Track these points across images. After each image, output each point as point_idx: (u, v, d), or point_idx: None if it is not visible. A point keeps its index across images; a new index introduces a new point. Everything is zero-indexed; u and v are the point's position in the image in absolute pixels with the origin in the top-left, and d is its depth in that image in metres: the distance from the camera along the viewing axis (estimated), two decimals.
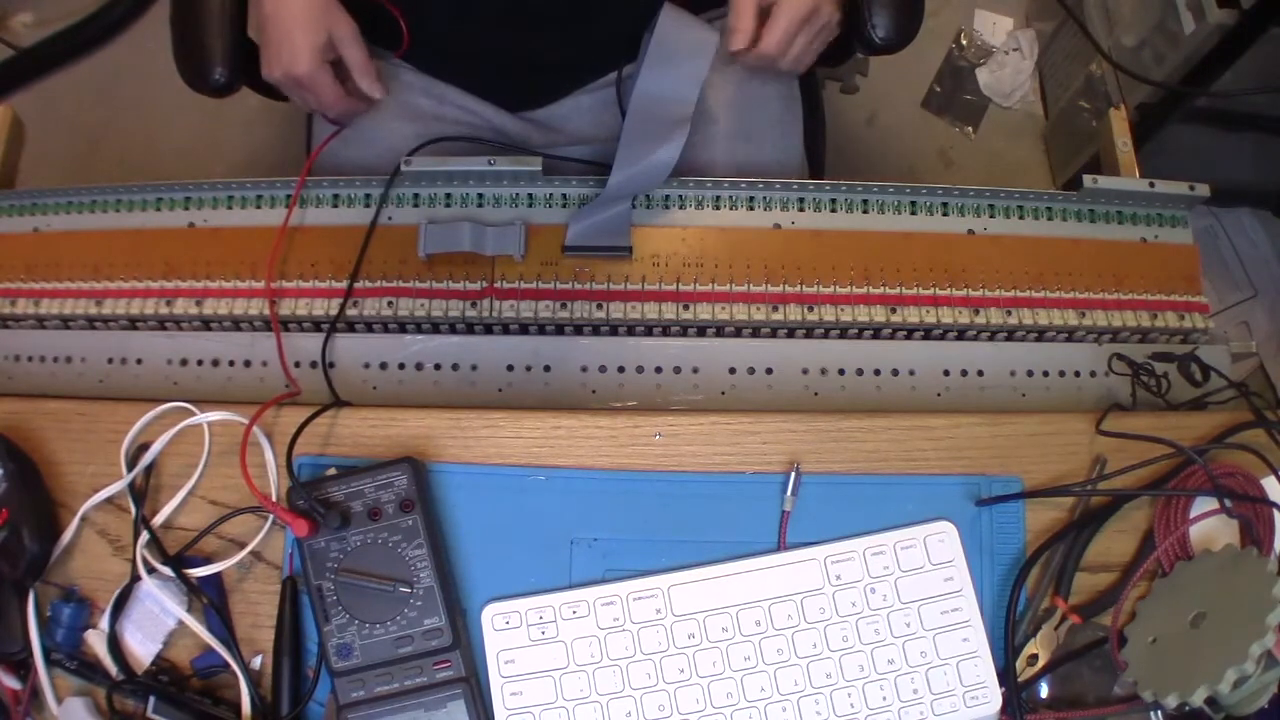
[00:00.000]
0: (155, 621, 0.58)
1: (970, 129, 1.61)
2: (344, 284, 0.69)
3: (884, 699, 0.57)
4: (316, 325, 0.70)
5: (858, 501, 0.61)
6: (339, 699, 0.55)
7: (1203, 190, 0.73)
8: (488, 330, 0.70)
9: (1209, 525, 0.59)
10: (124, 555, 0.60)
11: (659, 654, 0.57)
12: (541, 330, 0.70)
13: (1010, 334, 0.70)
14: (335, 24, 0.72)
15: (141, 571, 0.58)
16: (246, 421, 0.61)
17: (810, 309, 0.69)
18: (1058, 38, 1.58)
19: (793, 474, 0.60)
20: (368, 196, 0.72)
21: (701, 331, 0.70)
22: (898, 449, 0.62)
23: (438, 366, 0.69)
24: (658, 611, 0.58)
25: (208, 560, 0.59)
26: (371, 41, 0.76)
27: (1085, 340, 0.71)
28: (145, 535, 0.59)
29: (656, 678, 0.57)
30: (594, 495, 0.61)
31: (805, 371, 0.69)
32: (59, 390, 0.70)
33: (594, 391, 0.69)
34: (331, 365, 0.68)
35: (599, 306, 0.69)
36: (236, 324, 0.70)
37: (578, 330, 0.70)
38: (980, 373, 0.70)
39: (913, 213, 0.73)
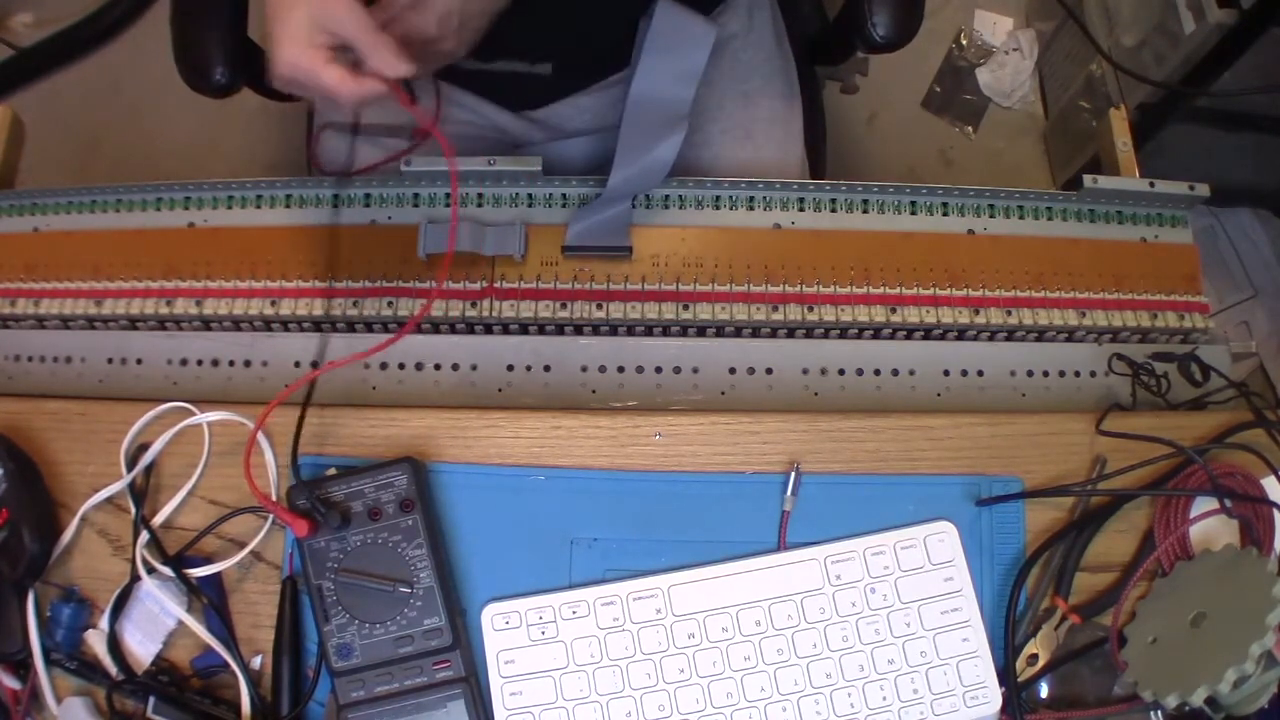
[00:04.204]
0: (155, 621, 0.58)
1: (970, 129, 1.61)
2: (344, 284, 0.69)
3: (884, 699, 0.57)
4: (316, 325, 0.70)
5: (858, 501, 0.61)
6: (339, 699, 0.55)
7: (1203, 190, 0.72)
8: (488, 330, 0.70)
9: (1209, 525, 0.59)
10: (124, 555, 0.60)
11: (659, 654, 0.57)
12: (541, 330, 0.70)
13: (1010, 334, 0.70)
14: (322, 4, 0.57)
15: (141, 571, 0.58)
16: (246, 421, 0.61)
17: (810, 309, 0.69)
18: (1058, 38, 1.58)
19: (793, 474, 0.60)
20: (367, 196, 0.72)
21: (701, 331, 0.70)
22: (898, 449, 0.62)
23: (438, 366, 0.69)
24: (658, 611, 0.58)
25: (208, 560, 0.59)
26: None
27: (1085, 340, 0.71)
28: (145, 535, 0.59)
29: (656, 678, 0.57)
30: (594, 495, 0.61)
31: (805, 371, 0.69)
32: (59, 390, 0.70)
33: (594, 391, 0.69)
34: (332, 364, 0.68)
35: (599, 306, 0.69)
36: (236, 324, 0.70)
37: (578, 330, 0.70)
38: (980, 373, 0.70)
39: (913, 213, 0.73)
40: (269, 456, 0.61)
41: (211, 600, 0.58)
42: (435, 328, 0.70)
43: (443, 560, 0.57)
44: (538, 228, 0.70)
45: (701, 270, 0.70)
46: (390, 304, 0.69)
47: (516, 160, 0.71)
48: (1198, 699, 0.52)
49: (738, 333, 0.70)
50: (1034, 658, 0.59)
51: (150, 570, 0.58)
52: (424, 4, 0.60)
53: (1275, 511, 0.59)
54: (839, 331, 0.70)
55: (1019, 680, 0.58)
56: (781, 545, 0.60)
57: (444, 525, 0.60)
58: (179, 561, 0.59)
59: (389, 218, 0.71)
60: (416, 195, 0.72)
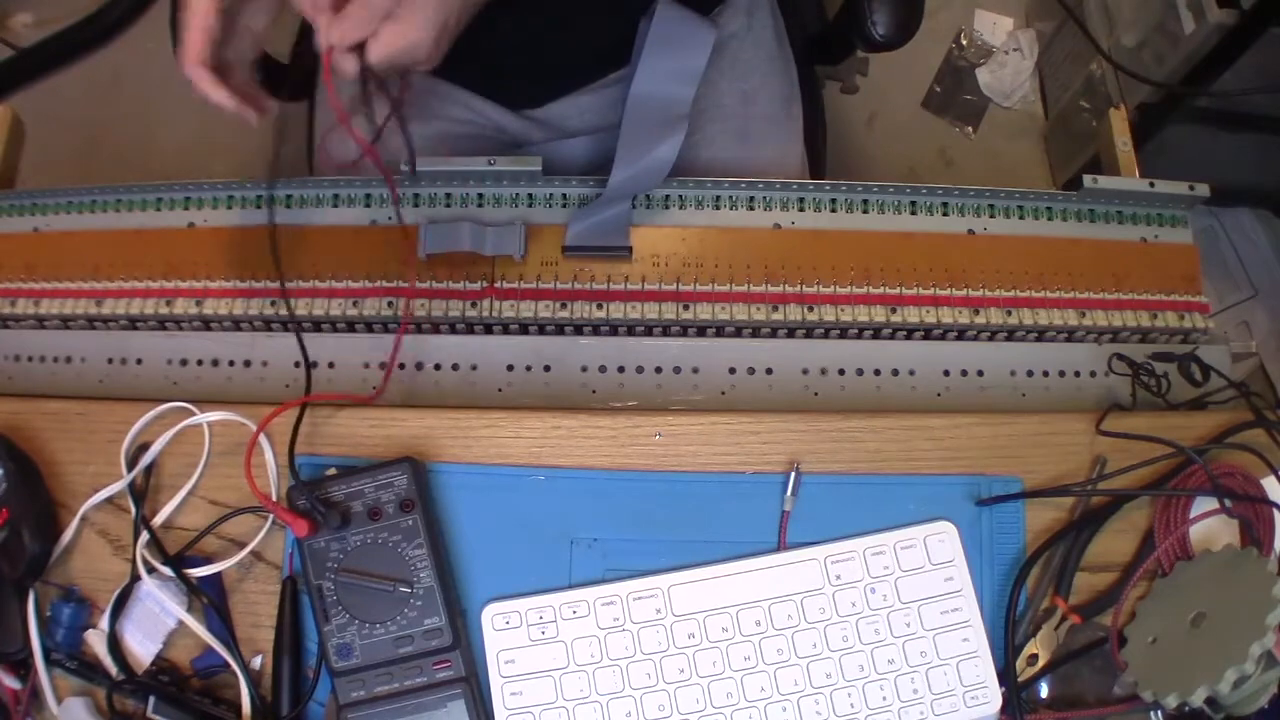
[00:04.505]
0: (155, 621, 0.58)
1: (970, 129, 1.62)
2: (344, 284, 0.69)
3: (884, 699, 0.57)
4: (316, 325, 0.70)
5: (858, 501, 0.61)
6: (339, 699, 0.55)
7: (1203, 190, 0.72)
8: (488, 330, 0.70)
9: (1209, 525, 0.59)
10: (124, 555, 0.60)
11: (659, 654, 0.57)
12: (541, 330, 0.70)
13: (1010, 334, 0.70)
14: None
15: (141, 571, 0.58)
16: (246, 421, 0.61)
17: (810, 309, 0.69)
18: (1058, 38, 1.59)
19: (793, 474, 0.60)
20: (368, 196, 0.72)
21: (701, 331, 0.70)
22: (898, 449, 0.62)
23: (438, 366, 0.69)
24: (658, 611, 0.58)
25: (208, 560, 0.59)
26: None
27: (1085, 340, 0.71)
28: (145, 535, 0.59)
29: (656, 678, 0.57)
30: (594, 495, 0.61)
31: (805, 371, 0.69)
32: (59, 390, 0.70)
33: (594, 391, 0.69)
34: (332, 365, 0.68)
35: (599, 306, 0.69)
36: (236, 324, 0.70)
37: (578, 330, 0.70)
38: (980, 373, 0.70)
39: (913, 213, 0.73)
40: (269, 456, 0.61)
41: (211, 600, 0.58)
42: (435, 328, 0.70)
43: (443, 560, 0.57)
44: (538, 228, 0.70)
45: (701, 270, 0.70)
46: (390, 304, 0.69)
47: (516, 160, 0.71)
48: (1198, 699, 0.52)
49: (738, 333, 0.70)
50: (1034, 658, 0.59)
51: (150, 570, 0.58)
52: (409, 8, 0.56)
53: (1275, 511, 0.59)
54: (839, 331, 0.70)
55: (1019, 680, 0.58)
56: (781, 545, 0.60)
57: (444, 525, 0.59)
58: (179, 561, 0.59)
59: (389, 218, 0.71)
60: (416, 195, 0.72)
